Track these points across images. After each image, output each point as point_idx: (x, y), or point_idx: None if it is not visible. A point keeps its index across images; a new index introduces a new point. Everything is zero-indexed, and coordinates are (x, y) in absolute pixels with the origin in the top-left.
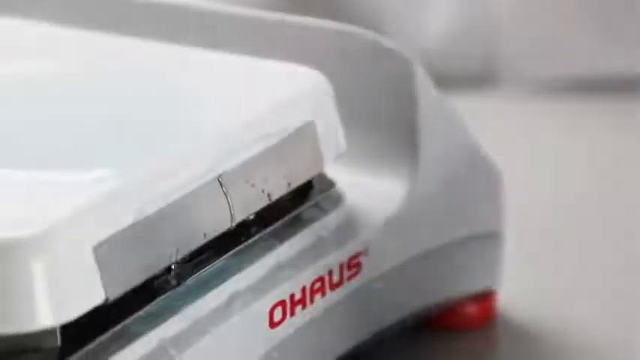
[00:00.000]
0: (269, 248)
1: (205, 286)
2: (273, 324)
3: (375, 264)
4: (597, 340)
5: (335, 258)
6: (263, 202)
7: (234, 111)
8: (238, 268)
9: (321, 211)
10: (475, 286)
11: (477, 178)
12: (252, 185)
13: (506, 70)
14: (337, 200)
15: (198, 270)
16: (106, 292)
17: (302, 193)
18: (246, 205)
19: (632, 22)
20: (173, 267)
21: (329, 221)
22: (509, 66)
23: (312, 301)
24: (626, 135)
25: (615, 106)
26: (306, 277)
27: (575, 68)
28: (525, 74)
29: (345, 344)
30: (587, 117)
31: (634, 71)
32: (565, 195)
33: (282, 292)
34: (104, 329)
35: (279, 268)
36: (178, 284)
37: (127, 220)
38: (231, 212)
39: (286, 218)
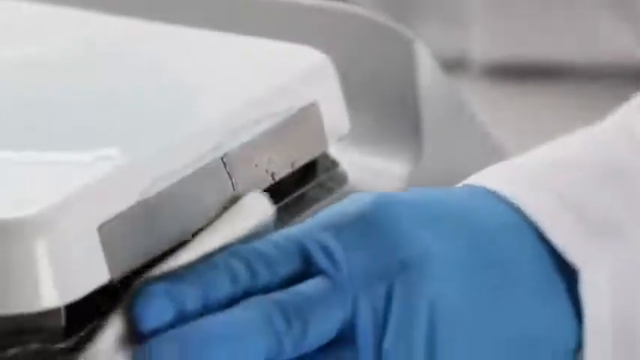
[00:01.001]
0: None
1: None
2: None
3: None
4: None
5: None
6: (267, 182)
7: (238, 91)
8: None
9: (325, 190)
10: None
11: (481, 158)
12: (256, 165)
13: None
14: (341, 180)
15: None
16: (110, 272)
17: (306, 172)
18: (250, 185)
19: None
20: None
21: (333, 201)
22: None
23: None
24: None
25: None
26: None
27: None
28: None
29: None
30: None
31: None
32: None
33: None
34: (109, 309)
35: None
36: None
37: (131, 200)
38: (236, 192)
39: (290, 198)
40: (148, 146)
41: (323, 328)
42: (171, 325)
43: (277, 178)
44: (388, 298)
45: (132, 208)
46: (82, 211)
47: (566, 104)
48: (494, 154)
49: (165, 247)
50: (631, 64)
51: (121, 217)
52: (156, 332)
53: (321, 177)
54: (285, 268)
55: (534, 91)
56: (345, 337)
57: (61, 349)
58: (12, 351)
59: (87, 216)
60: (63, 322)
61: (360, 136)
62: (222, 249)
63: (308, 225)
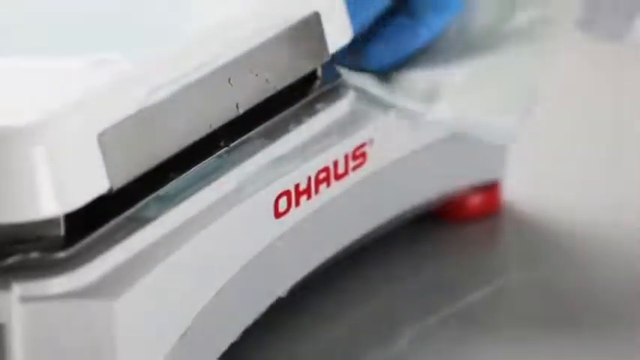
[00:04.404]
0: (274, 138)
1: (210, 176)
2: (278, 214)
3: (380, 155)
4: (600, 227)
5: (340, 148)
6: (267, 92)
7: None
8: (243, 158)
9: (326, 101)
10: (480, 177)
11: None
12: (257, 75)
13: None
14: (342, 91)
15: (204, 159)
16: (110, 181)
17: (307, 83)
18: (251, 95)
19: None
20: (178, 155)
21: (334, 112)
22: None
23: (317, 191)
24: None
25: None
26: (311, 167)
27: None
28: None
29: (350, 235)
30: None
31: None
32: (568, 88)
33: (287, 182)
34: (110, 217)
35: (284, 158)
36: (184, 173)
37: (132, 107)
38: (236, 101)
39: (291, 109)
40: (148, 54)
41: None
42: None
43: (278, 87)
44: None
45: (132, 116)
46: (81, 119)
47: None
48: None
49: (166, 155)
50: None
51: (121, 126)
52: None
53: (323, 88)
54: None
55: None
56: None
57: (61, 257)
58: (12, 259)
59: (87, 124)
60: (63, 231)
61: None
62: None
63: None
